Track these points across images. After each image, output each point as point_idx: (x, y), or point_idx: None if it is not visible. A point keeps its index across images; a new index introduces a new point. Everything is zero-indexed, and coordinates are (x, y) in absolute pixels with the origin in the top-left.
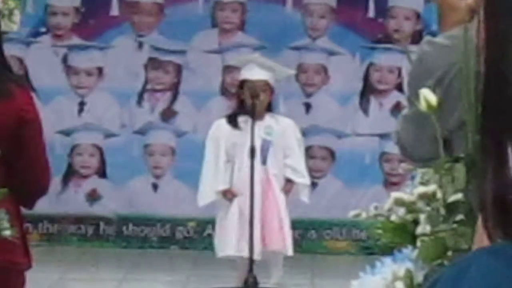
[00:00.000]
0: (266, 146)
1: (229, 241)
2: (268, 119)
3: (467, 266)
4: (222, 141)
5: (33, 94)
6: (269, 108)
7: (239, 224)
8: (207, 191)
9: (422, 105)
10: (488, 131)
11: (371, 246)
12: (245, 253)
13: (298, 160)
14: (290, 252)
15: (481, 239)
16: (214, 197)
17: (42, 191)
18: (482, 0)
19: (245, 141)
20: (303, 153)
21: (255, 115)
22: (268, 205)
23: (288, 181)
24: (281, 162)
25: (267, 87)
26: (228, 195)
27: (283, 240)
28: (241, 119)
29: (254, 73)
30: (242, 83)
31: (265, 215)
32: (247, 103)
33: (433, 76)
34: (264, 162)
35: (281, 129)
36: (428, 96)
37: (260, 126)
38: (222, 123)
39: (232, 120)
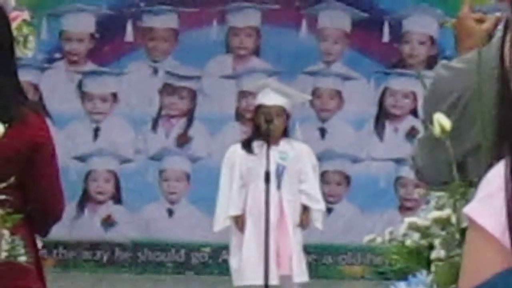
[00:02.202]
0: (280, 171)
1: (246, 270)
2: (283, 144)
3: (493, 285)
4: (237, 166)
5: (47, 120)
6: (285, 133)
7: (255, 250)
8: (222, 216)
9: (436, 129)
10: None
11: (386, 271)
12: (262, 281)
13: (313, 186)
14: (302, 278)
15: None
16: (229, 223)
17: (56, 217)
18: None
19: (260, 166)
20: (318, 178)
21: (270, 140)
22: (281, 231)
23: (304, 208)
24: (296, 187)
25: (283, 112)
26: (239, 222)
27: (295, 267)
28: (256, 144)
29: (269, 98)
30: (258, 108)
31: (279, 240)
32: (262, 128)
33: (448, 99)
34: (278, 187)
35: (296, 154)
36: (441, 120)
37: (275, 151)
38: (237, 148)
39: (247, 145)
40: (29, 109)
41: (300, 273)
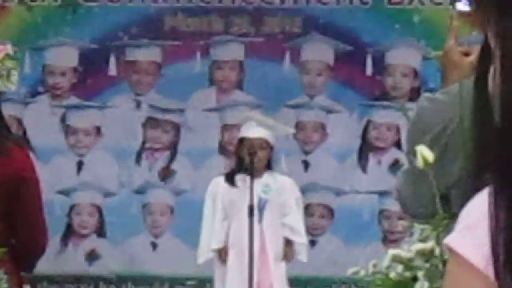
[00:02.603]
0: (262, 205)
1: None
2: (266, 177)
3: None
4: (219, 199)
5: (31, 154)
6: (269, 166)
7: (237, 283)
8: (205, 248)
9: (419, 161)
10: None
11: None
12: None
13: (296, 219)
14: None
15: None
16: (212, 255)
17: (39, 250)
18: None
19: (242, 199)
20: (302, 211)
21: (253, 173)
22: (263, 264)
23: (287, 241)
24: (278, 220)
25: (266, 144)
26: (222, 254)
27: None
28: (239, 177)
29: (252, 131)
30: (241, 141)
31: (260, 273)
32: (245, 161)
33: (431, 132)
34: (260, 220)
35: (279, 187)
36: (424, 152)
37: (258, 184)
38: (220, 180)
39: (230, 178)
40: (13, 143)
41: None
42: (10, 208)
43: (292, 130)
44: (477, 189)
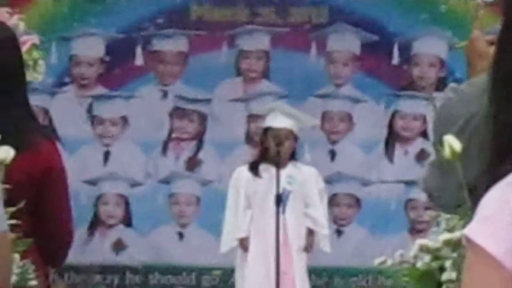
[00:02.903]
0: (286, 195)
1: None
2: (290, 168)
3: None
4: (242, 188)
5: (58, 144)
6: (293, 156)
7: (258, 272)
8: (228, 238)
9: (446, 152)
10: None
11: None
12: None
13: (318, 210)
14: None
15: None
16: (235, 244)
17: (65, 242)
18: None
19: (266, 189)
20: (326, 202)
21: (279, 163)
22: (285, 255)
23: (310, 231)
24: (301, 211)
25: (291, 135)
26: (243, 243)
27: None
28: (263, 167)
29: (278, 121)
30: (266, 131)
31: (282, 264)
32: (271, 151)
33: (456, 123)
34: (283, 211)
35: (303, 178)
36: (452, 143)
37: (282, 175)
38: (243, 170)
39: (254, 168)
40: (41, 136)
41: None
42: (37, 200)
43: (317, 121)
44: (496, 180)
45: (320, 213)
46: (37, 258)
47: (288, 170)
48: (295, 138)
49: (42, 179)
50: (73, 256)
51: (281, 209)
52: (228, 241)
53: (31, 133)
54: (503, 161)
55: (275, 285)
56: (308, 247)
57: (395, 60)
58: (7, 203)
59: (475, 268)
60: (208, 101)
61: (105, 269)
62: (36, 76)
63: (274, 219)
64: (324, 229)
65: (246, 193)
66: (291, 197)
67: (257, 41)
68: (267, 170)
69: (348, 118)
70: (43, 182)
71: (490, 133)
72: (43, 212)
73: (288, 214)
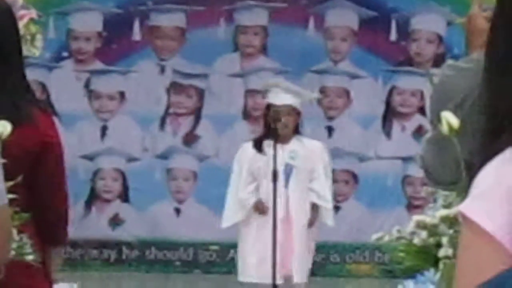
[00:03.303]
0: (288, 170)
1: (250, 267)
2: (294, 142)
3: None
4: (245, 165)
5: (55, 119)
6: (297, 131)
7: (259, 248)
8: (230, 213)
9: (444, 128)
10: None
11: (394, 269)
12: (267, 279)
13: (322, 184)
14: (301, 280)
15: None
16: (237, 219)
17: (61, 216)
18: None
19: (269, 165)
20: (330, 176)
21: (279, 139)
22: (286, 230)
23: (313, 205)
24: (305, 186)
25: (293, 111)
26: (259, 206)
27: (295, 267)
28: (266, 143)
29: (279, 98)
30: (268, 108)
31: (283, 239)
32: (272, 127)
33: (454, 99)
34: (286, 186)
35: (307, 152)
36: (449, 119)
37: (284, 150)
38: (248, 146)
39: (257, 144)
40: (38, 109)
41: (300, 273)
42: (34, 174)
43: (317, 95)
44: (490, 157)
45: (324, 187)
46: (34, 232)
47: (291, 145)
48: (298, 113)
49: (39, 153)
50: (70, 231)
51: (283, 183)
52: (229, 217)
53: (28, 106)
54: (497, 139)
55: (272, 262)
56: (311, 222)
57: (393, 36)
58: (4, 178)
59: (470, 244)
60: (205, 76)
61: (102, 244)
62: (34, 50)
63: (279, 195)
64: (328, 203)
65: (250, 169)
66: (294, 172)
67: (255, 17)
68: (270, 146)
69: (346, 94)
70: (39, 156)
71: (484, 110)
72: (39, 186)
73: (291, 189)
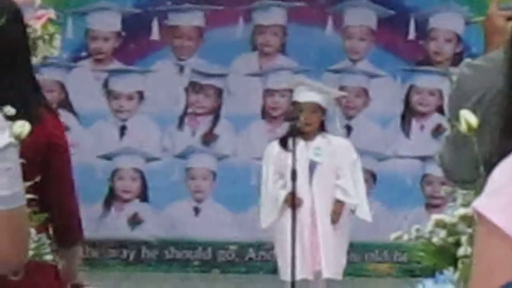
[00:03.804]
0: (312, 167)
1: (285, 266)
2: (319, 139)
3: None
4: (271, 163)
5: (74, 118)
6: (322, 128)
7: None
8: (266, 212)
9: (462, 127)
10: None
11: (413, 268)
12: (308, 275)
13: (347, 181)
14: (331, 275)
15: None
16: (273, 217)
17: (73, 217)
18: None
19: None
20: (360, 172)
21: (302, 136)
22: (312, 228)
23: (337, 202)
24: (331, 183)
25: (317, 108)
26: (290, 200)
27: (323, 262)
28: (292, 141)
29: (303, 95)
30: (293, 105)
31: (311, 236)
32: (296, 124)
33: (471, 98)
34: (310, 183)
35: (332, 149)
36: (468, 117)
37: (309, 147)
38: (274, 145)
39: (283, 142)
40: (46, 109)
41: (328, 269)
42: (43, 175)
43: (343, 93)
44: (505, 155)
45: (350, 184)
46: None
47: (316, 142)
48: (323, 110)
49: (47, 154)
50: (89, 231)
51: (308, 180)
52: (266, 216)
53: (35, 107)
54: None
55: (291, 259)
56: (335, 219)
57: (412, 35)
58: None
59: (485, 241)
60: (224, 75)
61: (121, 244)
62: (52, 50)
63: (305, 192)
64: (353, 200)
65: (276, 167)
66: (318, 169)
67: (273, 16)
68: (296, 144)
69: (364, 93)
70: (47, 157)
71: (501, 109)
72: (49, 187)
73: (315, 186)
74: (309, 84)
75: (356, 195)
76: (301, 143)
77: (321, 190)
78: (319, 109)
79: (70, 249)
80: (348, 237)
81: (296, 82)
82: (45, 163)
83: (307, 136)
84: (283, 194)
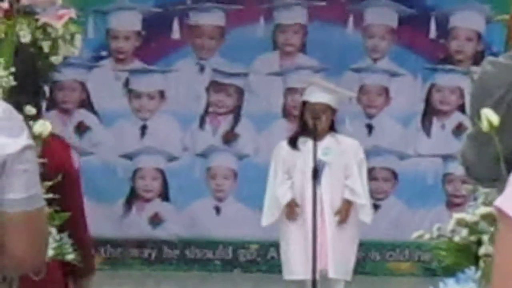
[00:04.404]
0: (321, 167)
1: (294, 264)
2: (328, 139)
3: None
4: (280, 162)
5: (95, 118)
6: (332, 129)
7: (296, 245)
8: (269, 211)
9: (484, 125)
10: None
11: (435, 267)
12: (309, 275)
13: (356, 181)
14: (337, 275)
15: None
16: (275, 218)
17: (84, 245)
18: None
19: (302, 162)
20: (365, 173)
21: (316, 137)
22: (320, 227)
23: (346, 202)
24: (340, 182)
25: (328, 109)
26: (290, 209)
27: (330, 262)
28: (301, 140)
29: (314, 95)
30: (303, 105)
31: (319, 235)
32: (309, 125)
33: (493, 96)
34: (318, 182)
35: (341, 149)
36: (489, 115)
37: (318, 146)
38: (283, 144)
39: (292, 141)
40: (53, 136)
41: (335, 269)
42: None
43: (353, 94)
44: None
45: (358, 184)
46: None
47: (326, 142)
48: (333, 111)
49: (54, 180)
50: (110, 230)
51: (317, 181)
52: (269, 215)
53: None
54: None
55: (312, 258)
56: (343, 218)
57: (432, 33)
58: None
59: (506, 238)
60: (245, 75)
61: (142, 243)
62: (73, 50)
63: (310, 191)
64: (361, 199)
65: (286, 166)
66: (327, 169)
67: (294, 15)
68: (305, 143)
69: (385, 92)
70: (55, 183)
71: None
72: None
73: (324, 185)
74: (320, 84)
75: (363, 196)
76: (309, 143)
77: (328, 189)
78: (329, 110)
79: (83, 281)
80: (357, 237)
81: (308, 82)
82: (54, 190)
83: (316, 136)
84: (286, 198)
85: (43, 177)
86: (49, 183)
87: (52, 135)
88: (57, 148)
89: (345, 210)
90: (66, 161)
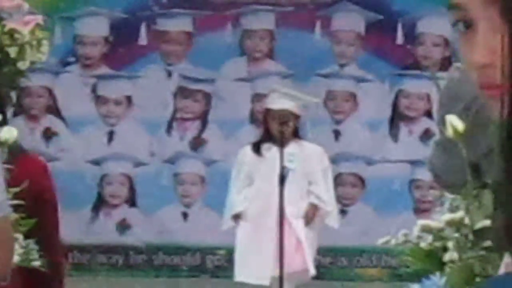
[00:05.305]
0: (285, 173)
1: (247, 267)
2: (292, 146)
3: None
4: (244, 168)
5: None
6: (296, 135)
7: (252, 250)
8: (227, 216)
9: (449, 132)
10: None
11: (402, 273)
12: (264, 280)
13: (321, 187)
14: (311, 271)
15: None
16: (232, 223)
17: (56, 269)
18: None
19: (266, 168)
20: (331, 180)
21: (281, 143)
22: (284, 231)
23: (311, 206)
24: (303, 188)
25: (291, 115)
26: (238, 218)
27: (302, 261)
28: (265, 147)
29: (276, 102)
30: (266, 112)
31: (282, 240)
32: (274, 131)
33: (461, 102)
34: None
35: (306, 156)
36: (455, 123)
37: (282, 153)
38: (247, 150)
39: (256, 147)
40: (27, 156)
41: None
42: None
43: (317, 100)
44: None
45: (322, 190)
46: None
47: (290, 148)
48: (297, 117)
49: (33, 204)
50: (77, 236)
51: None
52: (228, 219)
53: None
54: None
55: (279, 265)
56: (308, 220)
57: (400, 39)
58: (7, 186)
59: None
60: (212, 80)
61: (109, 249)
62: (40, 56)
63: (275, 197)
64: (328, 206)
65: (249, 172)
66: (291, 175)
67: (261, 21)
68: (269, 149)
69: (353, 98)
70: (30, 205)
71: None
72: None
73: (287, 191)
74: (282, 91)
75: (329, 202)
76: (273, 149)
77: (292, 196)
78: (293, 116)
79: None
80: (317, 241)
81: (270, 89)
82: (29, 212)
83: (280, 142)
84: (237, 209)
85: (22, 205)
86: (25, 213)
87: (26, 154)
88: (35, 172)
89: (311, 213)
90: (41, 182)
